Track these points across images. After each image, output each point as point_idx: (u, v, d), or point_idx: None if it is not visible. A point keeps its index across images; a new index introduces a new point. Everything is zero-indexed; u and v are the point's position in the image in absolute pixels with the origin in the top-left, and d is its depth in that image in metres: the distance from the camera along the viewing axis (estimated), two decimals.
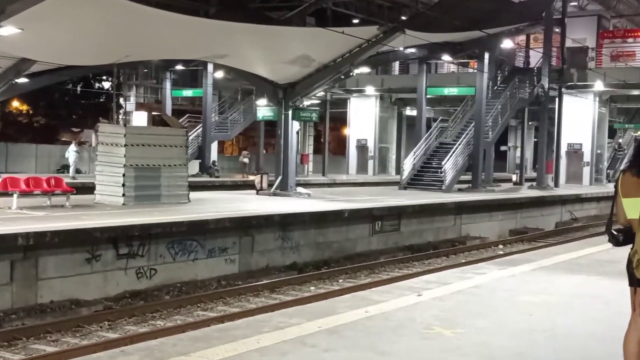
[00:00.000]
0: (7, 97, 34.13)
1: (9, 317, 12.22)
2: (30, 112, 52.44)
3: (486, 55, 31.53)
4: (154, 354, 6.19)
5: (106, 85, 52.27)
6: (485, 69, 31.52)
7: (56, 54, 22.77)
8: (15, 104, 48.77)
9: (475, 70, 33.04)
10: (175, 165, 20.14)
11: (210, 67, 37.00)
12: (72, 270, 13.72)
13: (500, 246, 24.01)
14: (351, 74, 28.94)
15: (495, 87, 36.12)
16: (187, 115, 44.09)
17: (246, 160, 43.29)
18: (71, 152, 32.26)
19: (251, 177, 32.90)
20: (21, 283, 12.91)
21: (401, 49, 29.47)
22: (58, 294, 13.39)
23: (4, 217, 15.33)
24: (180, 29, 19.61)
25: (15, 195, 17.17)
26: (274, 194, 24.49)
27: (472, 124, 32.09)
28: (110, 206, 18.44)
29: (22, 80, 30.55)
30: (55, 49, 21.26)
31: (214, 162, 40.72)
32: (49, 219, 15.23)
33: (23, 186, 17.66)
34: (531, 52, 43.18)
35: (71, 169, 31.81)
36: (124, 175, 18.77)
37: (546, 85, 34.77)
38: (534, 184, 36.36)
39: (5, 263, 12.67)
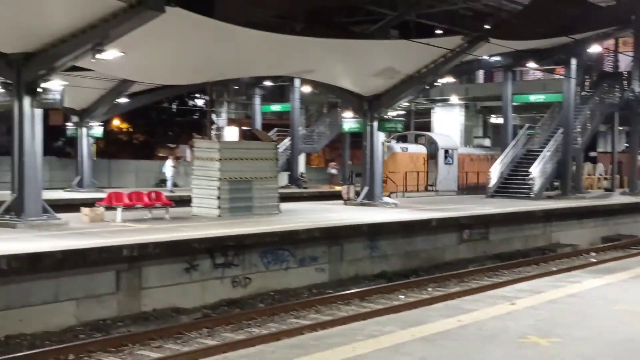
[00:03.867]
0: (109, 117, 35.45)
1: (115, 325, 12.58)
2: (130, 130, 54.27)
3: (573, 61, 30.63)
4: None
5: (199, 102, 53.51)
6: (573, 74, 30.64)
7: (154, 75, 23.48)
8: (116, 122, 50.51)
9: (562, 77, 32.13)
10: (266, 177, 20.37)
11: (297, 82, 37.29)
12: (172, 279, 14.03)
13: (593, 254, 23.21)
14: (435, 83, 28.72)
15: (583, 93, 34.95)
16: (276, 129, 44.57)
17: (334, 171, 43.48)
18: (168, 167, 33.14)
19: (338, 188, 33.03)
20: (126, 292, 13.29)
21: (486, 57, 29.06)
22: (160, 302, 13.68)
23: (110, 229, 15.86)
24: (269, 46, 19.87)
25: (119, 209, 17.79)
26: (361, 204, 24.45)
27: (560, 131, 31.13)
28: (206, 218, 18.79)
29: (123, 100, 31.74)
30: (153, 71, 21.88)
31: (302, 173, 40.98)
32: (150, 231, 15.58)
33: (126, 200, 18.27)
34: (620, 56, 41.67)
35: (169, 183, 32.66)
36: (219, 188, 19.13)
37: (637, 90, 33.44)
38: (627, 190, 35.05)
39: (112, 273, 13.09)
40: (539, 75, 42.85)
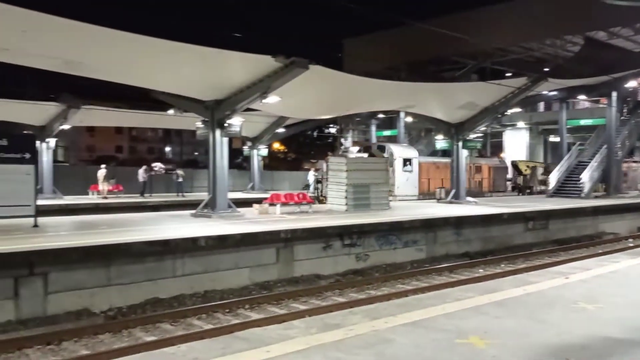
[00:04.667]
0: (271, 142, 36.57)
1: (276, 285, 12.93)
2: (285, 150, 55.68)
3: (614, 94, 28.58)
4: (372, 314, 6.29)
5: (332, 130, 54.15)
6: (614, 104, 28.64)
7: (301, 112, 24.02)
8: (276, 145, 52.01)
9: (606, 105, 30.10)
10: (379, 183, 20.32)
11: (402, 114, 36.98)
12: (314, 254, 14.23)
13: (630, 240, 21.44)
14: (506, 113, 27.56)
15: (622, 117, 32.52)
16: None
17: None
18: (310, 176, 33.70)
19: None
20: (284, 263, 13.63)
21: (545, 92, 27.69)
22: (306, 270, 13.93)
23: (273, 219, 16.31)
24: (382, 89, 19.85)
25: (278, 205, 18.31)
26: (450, 202, 23.84)
27: (605, 146, 29.29)
28: (337, 212, 18.96)
29: (280, 130, 32.66)
30: (300, 109, 22.36)
31: None
32: (299, 220, 15.83)
33: (283, 199, 18.78)
34: None
35: (311, 187, 33.23)
36: (346, 190, 19.28)
37: None
38: None
39: (273, 249, 13.47)
40: (587, 104, 40.25)
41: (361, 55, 39.99)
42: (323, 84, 17.28)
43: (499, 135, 46.03)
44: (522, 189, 34.51)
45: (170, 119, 27.99)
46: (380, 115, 40.35)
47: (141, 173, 28.81)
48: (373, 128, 42.27)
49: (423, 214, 18.64)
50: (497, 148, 50.65)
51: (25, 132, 26.09)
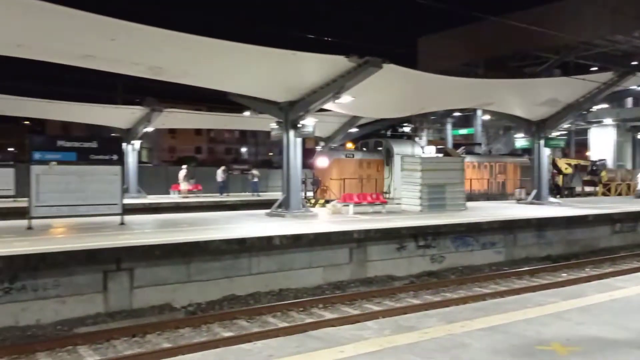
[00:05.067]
0: (344, 141, 36.61)
1: (349, 285, 12.94)
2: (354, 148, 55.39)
3: None
4: (447, 317, 6.18)
5: (407, 129, 53.50)
6: None
7: (374, 111, 23.90)
8: (349, 145, 51.96)
9: None
10: (455, 183, 19.88)
11: (479, 112, 36.00)
12: (388, 255, 14.13)
13: None
14: (591, 109, 26.21)
15: None
16: (463, 147, 43.33)
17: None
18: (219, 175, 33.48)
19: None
20: (356, 263, 13.63)
21: (634, 87, 26.01)
22: (379, 271, 13.86)
23: (346, 219, 16.34)
24: (458, 87, 19.40)
25: (351, 205, 18.34)
26: (531, 203, 22.92)
27: None
28: (411, 212, 18.73)
29: (353, 129, 32.68)
30: (374, 109, 22.26)
31: None
32: (372, 221, 15.76)
33: (355, 199, 18.78)
34: None
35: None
36: (420, 191, 19.00)
37: None
38: None
39: (346, 249, 13.50)
40: None
41: (437, 53, 39.29)
42: (397, 82, 17.10)
43: (584, 132, 43.76)
44: (562, 190, 32.04)
45: (246, 120, 28.74)
46: (456, 114, 39.50)
47: (220, 173, 29.80)
48: (449, 127, 41.50)
49: (502, 215, 18.04)
50: (582, 146, 48.23)
51: (112, 134, 27.70)
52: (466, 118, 42.63)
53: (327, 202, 21.57)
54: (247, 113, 26.97)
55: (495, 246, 16.21)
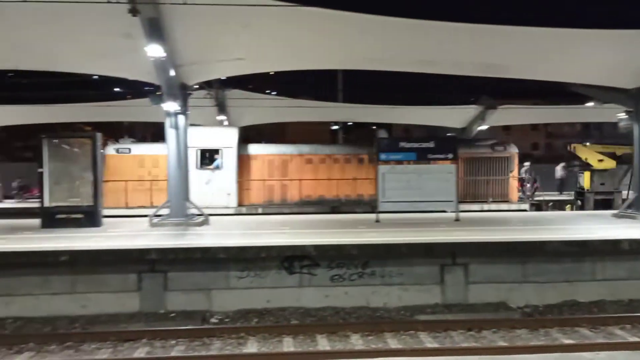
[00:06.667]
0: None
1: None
2: None
3: None
4: None
5: None
6: None
7: None
8: None
9: None
10: None
11: None
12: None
13: None
14: None
15: None
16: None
17: None
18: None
19: None
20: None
21: None
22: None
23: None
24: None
25: None
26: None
27: None
28: None
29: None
30: None
31: None
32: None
33: None
34: None
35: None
36: None
37: None
38: None
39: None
40: None
41: None
42: None
43: None
44: (589, 197, 20.37)
45: (588, 111, 26.28)
46: None
47: (559, 170, 28.07)
48: None
49: None
50: None
51: (447, 134, 29.02)
52: None
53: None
54: (590, 104, 24.73)
55: None
